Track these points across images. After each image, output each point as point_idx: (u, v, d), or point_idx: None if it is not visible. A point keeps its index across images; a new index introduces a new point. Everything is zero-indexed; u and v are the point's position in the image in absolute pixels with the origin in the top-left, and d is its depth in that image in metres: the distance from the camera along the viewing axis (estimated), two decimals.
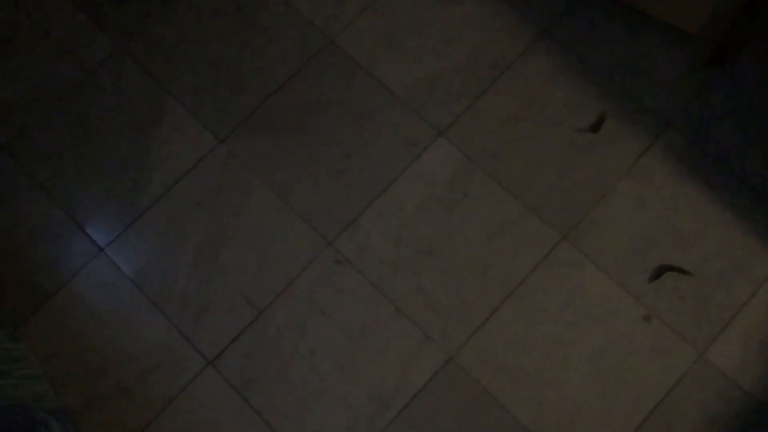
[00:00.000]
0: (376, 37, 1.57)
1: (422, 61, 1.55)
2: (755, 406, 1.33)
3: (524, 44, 1.55)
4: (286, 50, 1.57)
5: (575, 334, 1.38)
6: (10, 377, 1.05)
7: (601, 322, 1.39)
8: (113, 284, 1.45)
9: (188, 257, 1.45)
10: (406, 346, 1.39)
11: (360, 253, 1.44)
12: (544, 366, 1.37)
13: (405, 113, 1.52)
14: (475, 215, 1.45)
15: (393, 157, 1.49)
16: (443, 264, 1.43)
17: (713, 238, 1.42)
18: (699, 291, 1.39)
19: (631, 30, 1.55)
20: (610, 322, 1.39)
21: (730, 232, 1.42)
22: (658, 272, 1.41)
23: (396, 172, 1.49)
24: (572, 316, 1.39)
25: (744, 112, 1.49)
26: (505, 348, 1.38)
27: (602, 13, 1.56)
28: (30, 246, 1.47)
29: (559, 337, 1.38)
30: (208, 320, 1.42)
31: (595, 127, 1.49)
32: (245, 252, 1.45)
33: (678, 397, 1.34)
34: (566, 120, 1.50)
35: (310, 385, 1.38)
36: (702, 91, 1.51)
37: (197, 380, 1.39)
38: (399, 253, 1.44)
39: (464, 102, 1.52)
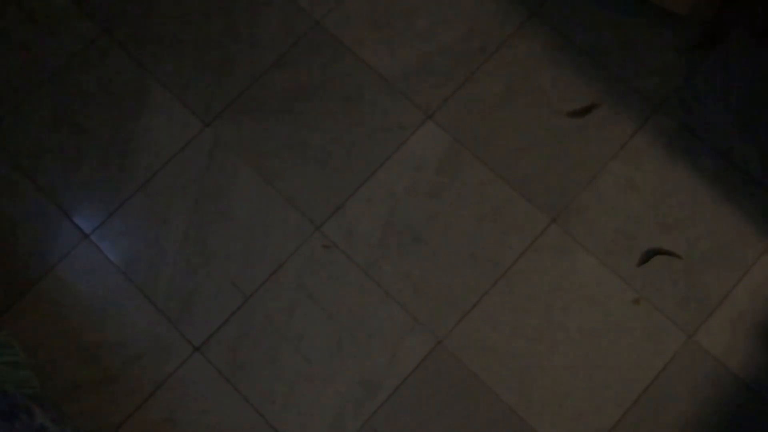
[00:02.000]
0: (363, 20, 1.55)
1: (410, 44, 1.53)
2: (744, 389, 1.33)
3: (513, 27, 1.54)
4: (272, 33, 1.56)
5: (564, 318, 1.38)
6: None
7: (590, 305, 1.38)
8: (99, 271, 1.43)
9: (174, 243, 1.44)
10: (394, 331, 1.38)
11: (348, 237, 1.43)
12: (533, 350, 1.36)
13: (393, 96, 1.51)
14: (464, 199, 1.44)
15: (381, 140, 1.48)
16: (432, 248, 1.42)
17: (702, 222, 1.42)
18: (688, 274, 1.39)
19: (621, 12, 1.53)
20: (599, 305, 1.38)
21: (720, 216, 1.42)
22: (647, 255, 1.40)
23: (384, 156, 1.47)
24: (561, 300, 1.39)
25: (734, 95, 1.48)
26: (493, 332, 1.37)
27: None
28: (14, 233, 1.46)
29: (548, 321, 1.38)
30: (195, 306, 1.41)
31: (584, 112, 1.48)
32: (232, 237, 1.44)
33: (667, 379, 1.34)
34: (555, 103, 1.49)
35: (298, 370, 1.37)
36: (692, 73, 1.50)
37: (184, 366, 1.38)
38: (387, 238, 1.43)
39: (453, 85, 1.51)
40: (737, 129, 1.46)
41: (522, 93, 1.50)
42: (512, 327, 1.38)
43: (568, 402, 1.34)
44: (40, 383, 1.13)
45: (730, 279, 1.39)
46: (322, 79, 1.52)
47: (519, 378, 1.35)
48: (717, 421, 1.32)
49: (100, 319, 1.41)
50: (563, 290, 1.39)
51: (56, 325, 1.40)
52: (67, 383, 1.37)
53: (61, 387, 1.37)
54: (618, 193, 1.44)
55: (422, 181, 1.46)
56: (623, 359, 1.35)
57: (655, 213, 1.42)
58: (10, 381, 1.00)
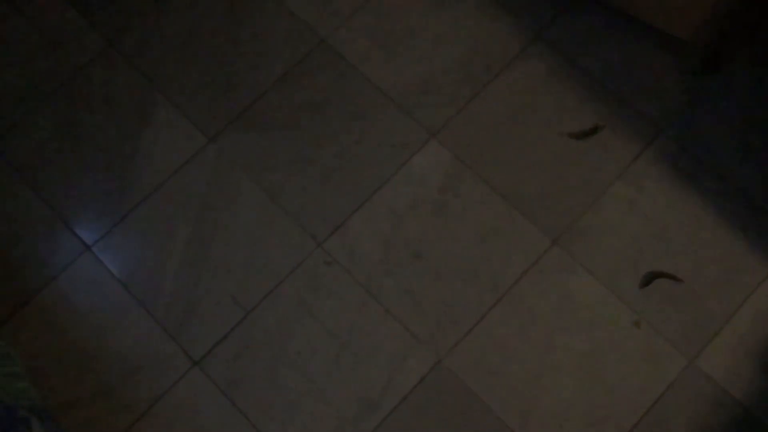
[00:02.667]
0: (368, 39, 1.56)
1: (415, 63, 1.54)
2: (745, 414, 1.32)
3: (517, 48, 1.55)
4: (278, 50, 1.56)
5: (565, 339, 1.37)
6: None
7: (591, 327, 1.38)
8: (99, 283, 1.43)
9: (176, 257, 1.44)
10: (394, 349, 1.38)
11: (349, 254, 1.43)
12: (533, 371, 1.36)
13: (397, 115, 1.51)
14: (466, 218, 1.45)
15: (384, 158, 1.49)
16: (433, 266, 1.42)
17: (705, 245, 1.42)
18: (689, 298, 1.39)
19: (624, 35, 1.54)
20: (600, 327, 1.38)
21: (722, 239, 1.42)
22: (649, 278, 1.40)
23: (387, 174, 1.48)
24: (562, 321, 1.38)
25: (737, 119, 1.49)
26: (494, 352, 1.37)
27: (595, 18, 1.56)
28: (16, 243, 1.46)
29: (549, 342, 1.37)
30: (195, 320, 1.40)
31: (588, 134, 1.48)
32: (233, 252, 1.44)
33: (668, 404, 1.33)
34: (558, 124, 1.50)
35: (296, 386, 1.36)
36: (695, 97, 1.51)
37: (182, 381, 1.37)
38: (389, 255, 1.43)
39: (456, 104, 1.51)
40: (740, 152, 1.47)
41: (525, 114, 1.51)
42: (513, 347, 1.37)
43: (568, 424, 1.33)
44: (38, 395, 1.12)
45: (732, 303, 1.38)
46: (326, 96, 1.53)
47: (519, 399, 1.34)
48: None
49: (99, 332, 1.40)
50: (564, 311, 1.39)
51: (55, 336, 1.40)
52: (66, 395, 1.36)
53: (59, 399, 1.36)
54: (620, 215, 1.44)
55: (425, 199, 1.46)
56: (624, 382, 1.35)
57: (657, 236, 1.43)
58: (9, 392, 1.00)
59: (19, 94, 1.55)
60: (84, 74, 1.56)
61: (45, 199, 1.48)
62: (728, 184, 1.45)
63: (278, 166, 1.49)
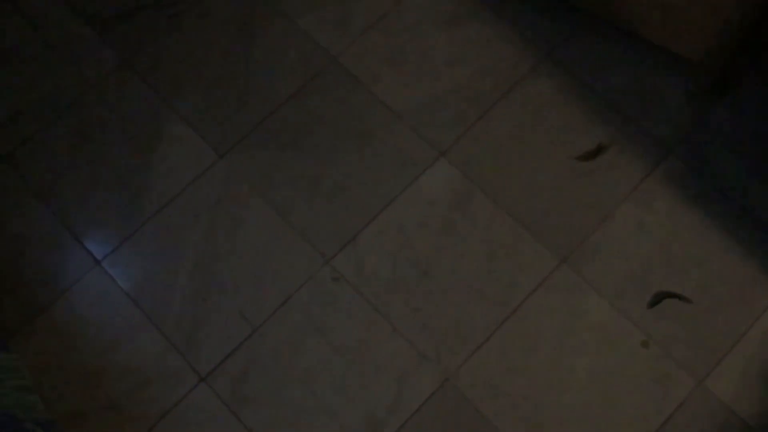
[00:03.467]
0: (379, 57, 1.58)
1: (424, 82, 1.55)
2: None
3: (526, 68, 1.56)
4: (289, 68, 1.58)
5: (573, 359, 1.37)
6: (0, 387, 1.04)
7: (599, 347, 1.37)
8: (109, 297, 1.44)
9: (185, 272, 1.45)
10: (402, 367, 1.37)
11: (357, 271, 1.43)
12: (541, 390, 1.35)
13: (406, 133, 1.52)
14: (474, 236, 1.45)
15: (393, 176, 1.49)
16: (441, 285, 1.42)
17: (713, 266, 1.41)
18: (698, 318, 1.38)
19: (633, 56, 1.55)
20: (608, 347, 1.37)
21: (731, 260, 1.42)
22: (658, 298, 1.40)
23: (396, 192, 1.48)
24: (570, 341, 1.38)
25: (745, 140, 1.49)
26: (502, 371, 1.37)
27: (604, 38, 1.57)
28: (27, 257, 1.47)
29: (556, 362, 1.37)
30: (203, 336, 1.41)
31: (593, 155, 1.49)
32: (242, 268, 1.45)
33: (676, 425, 1.33)
34: (567, 144, 1.50)
35: (303, 403, 1.36)
36: (703, 118, 1.51)
37: (189, 396, 1.37)
38: (397, 273, 1.43)
39: (465, 123, 1.52)
40: (748, 174, 1.47)
41: (534, 133, 1.51)
42: (520, 366, 1.37)
43: None
44: (46, 408, 1.12)
45: (741, 324, 1.38)
46: (336, 114, 1.54)
47: (526, 419, 1.34)
48: None
49: (107, 346, 1.41)
50: (572, 331, 1.39)
51: (64, 350, 1.40)
52: (73, 409, 1.36)
53: (67, 413, 1.36)
54: (629, 235, 1.44)
55: (433, 217, 1.46)
56: (631, 403, 1.34)
57: (665, 256, 1.42)
58: (19, 405, 1.00)
59: (33, 109, 1.57)
60: (97, 91, 1.58)
61: (56, 213, 1.50)
62: (737, 204, 1.45)
63: (287, 182, 1.50)
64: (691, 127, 1.50)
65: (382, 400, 1.36)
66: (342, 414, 1.35)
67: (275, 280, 1.43)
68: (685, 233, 1.44)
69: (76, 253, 1.47)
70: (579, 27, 1.58)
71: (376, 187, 1.49)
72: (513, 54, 1.57)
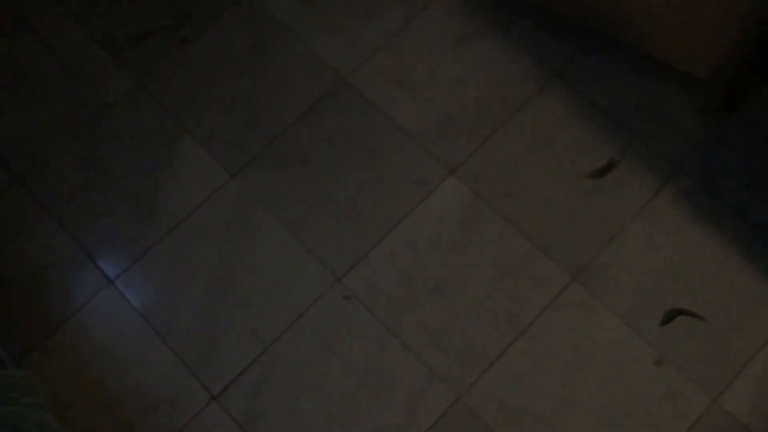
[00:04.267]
0: (388, 77, 1.59)
1: (434, 101, 1.57)
2: None
3: (535, 86, 1.57)
4: (299, 87, 1.60)
5: (585, 377, 1.36)
6: (15, 405, 1.04)
7: (612, 365, 1.37)
8: (121, 316, 1.45)
9: (197, 291, 1.45)
10: (413, 385, 1.37)
11: (368, 289, 1.44)
12: (553, 409, 1.35)
13: (416, 151, 1.53)
14: (485, 254, 1.45)
15: (404, 194, 1.50)
16: (452, 303, 1.42)
17: (725, 283, 1.41)
18: (711, 336, 1.38)
19: (642, 74, 1.56)
20: (620, 365, 1.37)
21: (742, 277, 1.41)
22: (670, 316, 1.39)
23: (406, 210, 1.49)
24: (582, 359, 1.37)
25: (754, 156, 1.49)
26: (513, 389, 1.36)
27: (613, 57, 1.58)
28: (40, 276, 1.48)
29: (569, 380, 1.36)
30: (215, 354, 1.41)
31: (604, 171, 1.49)
32: (253, 286, 1.45)
33: None
34: (576, 162, 1.51)
35: (314, 422, 1.36)
36: (712, 135, 1.51)
37: (201, 415, 1.37)
38: (408, 291, 1.43)
39: (475, 141, 1.53)
40: (758, 190, 1.46)
41: (543, 151, 1.52)
42: (532, 385, 1.36)
43: None
44: (59, 427, 1.13)
45: (755, 341, 1.37)
46: (346, 133, 1.55)
47: None
48: None
49: (119, 365, 1.41)
50: (584, 349, 1.38)
51: (77, 368, 1.41)
52: (86, 428, 1.36)
53: (80, 431, 1.36)
54: (640, 252, 1.44)
55: (444, 235, 1.47)
56: (645, 422, 1.33)
57: (677, 273, 1.42)
58: (34, 423, 1.01)
59: (48, 130, 1.59)
60: (111, 111, 1.60)
61: (70, 232, 1.51)
62: (747, 221, 1.45)
63: (298, 201, 1.51)
64: (701, 144, 1.51)
65: (394, 418, 1.35)
66: None
67: (286, 298, 1.44)
68: (696, 250, 1.43)
69: (89, 273, 1.48)
70: (586, 45, 1.59)
71: (386, 205, 1.50)
72: (522, 73, 1.58)
